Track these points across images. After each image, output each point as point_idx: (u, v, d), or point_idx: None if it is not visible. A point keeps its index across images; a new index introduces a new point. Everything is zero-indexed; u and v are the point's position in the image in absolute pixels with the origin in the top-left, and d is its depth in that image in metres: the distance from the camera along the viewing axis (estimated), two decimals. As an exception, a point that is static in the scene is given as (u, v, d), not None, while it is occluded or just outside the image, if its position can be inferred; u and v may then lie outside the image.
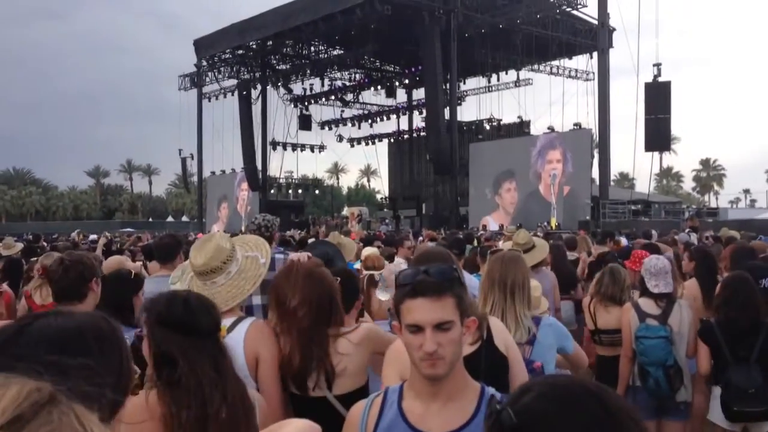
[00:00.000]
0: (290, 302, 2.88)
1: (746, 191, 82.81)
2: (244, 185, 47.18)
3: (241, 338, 2.86)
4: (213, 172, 50.71)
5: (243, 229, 29.52)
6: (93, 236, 17.22)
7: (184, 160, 50.00)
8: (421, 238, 14.99)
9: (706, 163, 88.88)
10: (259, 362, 2.85)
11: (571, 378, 1.20)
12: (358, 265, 5.48)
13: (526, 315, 3.44)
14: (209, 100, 48.01)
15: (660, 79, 28.84)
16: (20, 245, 9.57)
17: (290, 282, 2.93)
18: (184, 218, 73.05)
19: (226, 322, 2.88)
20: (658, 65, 28.71)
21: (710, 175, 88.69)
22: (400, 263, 6.29)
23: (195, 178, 52.61)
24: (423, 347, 1.86)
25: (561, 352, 3.68)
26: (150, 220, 72.48)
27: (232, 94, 45.91)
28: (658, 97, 28.68)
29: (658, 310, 4.72)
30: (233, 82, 46.49)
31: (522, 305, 3.43)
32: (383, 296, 3.42)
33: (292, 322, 2.87)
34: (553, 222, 29.59)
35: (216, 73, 46.29)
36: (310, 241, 8.65)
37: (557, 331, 3.65)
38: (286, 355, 2.86)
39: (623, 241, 10.85)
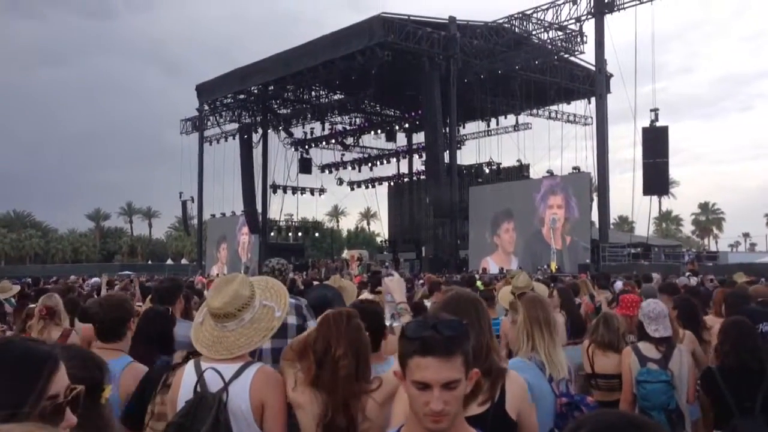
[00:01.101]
0: (335, 351, 2.83)
1: (746, 235, 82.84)
2: (245, 228, 47.24)
3: (247, 384, 2.84)
4: (213, 215, 50.80)
5: (247, 271, 29.47)
6: (95, 279, 17.10)
7: (184, 203, 50.14)
8: (421, 281, 14.96)
9: (705, 207, 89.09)
10: (264, 409, 2.82)
11: (619, 414, 1.35)
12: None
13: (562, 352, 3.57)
14: (210, 144, 48.41)
15: (657, 124, 29.11)
16: (17, 288, 9.56)
17: (334, 330, 2.90)
18: (184, 261, 72.89)
19: (231, 368, 2.87)
20: (655, 110, 29.05)
21: (709, 218, 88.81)
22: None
23: (195, 221, 52.65)
24: (429, 405, 1.83)
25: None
26: (149, 262, 72.32)
27: (233, 138, 46.36)
28: (655, 141, 28.93)
29: (658, 354, 4.69)
30: (234, 126, 46.97)
31: (558, 343, 3.58)
32: (396, 322, 3.35)
33: (334, 372, 2.82)
34: (553, 265, 29.58)
35: (217, 117, 46.76)
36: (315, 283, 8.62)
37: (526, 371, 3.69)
38: (322, 409, 2.81)
39: (618, 285, 10.80)
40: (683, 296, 6.87)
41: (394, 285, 3.42)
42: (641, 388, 4.61)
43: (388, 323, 3.32)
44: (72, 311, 6.35)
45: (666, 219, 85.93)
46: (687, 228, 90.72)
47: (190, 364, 2.99)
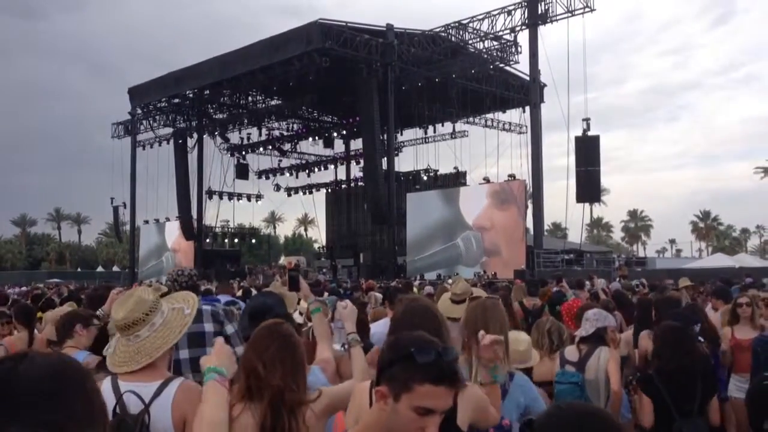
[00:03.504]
0: (257, 366, 2.77)
1: (672, 241, 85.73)
2: (179, 234, 46.32)
3: (168, 402, 2.75)
4: (146, 221, 49.66)
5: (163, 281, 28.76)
6: None
7: (116, 209, 48.90)
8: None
9: (633, 214, 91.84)
10: (186, 425, 2.74)
11: (586, 405, 1.70)
12: (297, 318, 5.41)
13: None
14: (143, 149, 47.38)
15: (589, 133, 29.86)
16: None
17: (256, 346, 2.85)
18: (115, 268, 70.96)
19: (151, 387, 2.77)
20: (587, 120, 29.78)
21: (638, 225, 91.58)
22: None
23: (127, 227, 51.35)
24: (426, 430, 1.84)
25: (529, 412, 3.49)
26: (79, 270, 70.14)
27: (168, 143, 45.41)
28: (587, 150, 29.66)
29: (577, 357, 4.78)
30: (169, 130, 46.04)
31: None
32: (338, 345, 3.28)
33: (263, 385, 2.75)
34: (489, 271, 29.97)
35: (151, 121, 45.77)
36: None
37: (527, 392, 3.53)
38: (258, 421, 2.72)
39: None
40: (643, 298, 7.01)
41: (347, 314, 3.32)
42: (554, 388, 4.71)
43: (338, 347, 3.27)
44: (27, 319, 6.19)
45: (597, 226, 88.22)
46: (617, 235, 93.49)
47: (107, 382, 2.84)
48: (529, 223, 32.88)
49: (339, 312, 3.32)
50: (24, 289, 15.95)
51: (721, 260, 35.53)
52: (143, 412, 2.71)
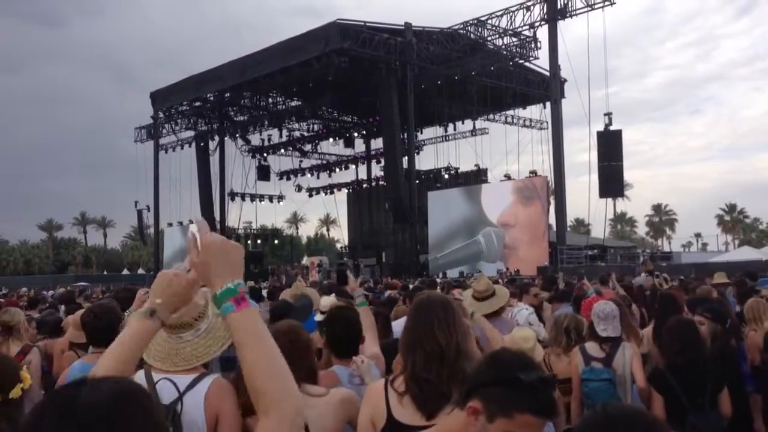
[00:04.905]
0: None
1: (698, 235, 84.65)
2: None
3: (202, 396, 2.76)
4: (170, 224, 50.09)
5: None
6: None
7: (140, 212, 49.35)
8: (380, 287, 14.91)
9: (658, 209, 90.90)
10: (219, 421, 2.75)
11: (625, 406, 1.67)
12: (318, 317, 5.43)
13: None
14: (166, 152, 47.75)
15: (611, 128, 29.60)
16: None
17: None
18: (140, 271, 71.68)
19: (186, 379, 2.78)
20: (608, 114, 29.50)
21: (662, 219, 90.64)
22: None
23: (151, 230, 51.87)
24: None
25: None
26: (105, 273, 70.97)
27: (190, 146, 45.83)
28: (610, 144, 29.40)
29: (602, 353, 4.76)
30: (191, 133, 46.43)
31: None
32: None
33: None
34: (512, 268, 29.84)
35: (173, 125, 46.12)
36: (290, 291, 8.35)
37: None
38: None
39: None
40: (665, 293, 6.92)
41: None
42: (585, 386, 4.69)
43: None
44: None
45: (621, 221, 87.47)
46: (641, 229, 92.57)
47: (140, 373, 2.84)
48: (552, 219, 32.72)
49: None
50: (55, 292, 16.22)
51: (748, 253, 35.01)
52: (176, 401, 2.72)
